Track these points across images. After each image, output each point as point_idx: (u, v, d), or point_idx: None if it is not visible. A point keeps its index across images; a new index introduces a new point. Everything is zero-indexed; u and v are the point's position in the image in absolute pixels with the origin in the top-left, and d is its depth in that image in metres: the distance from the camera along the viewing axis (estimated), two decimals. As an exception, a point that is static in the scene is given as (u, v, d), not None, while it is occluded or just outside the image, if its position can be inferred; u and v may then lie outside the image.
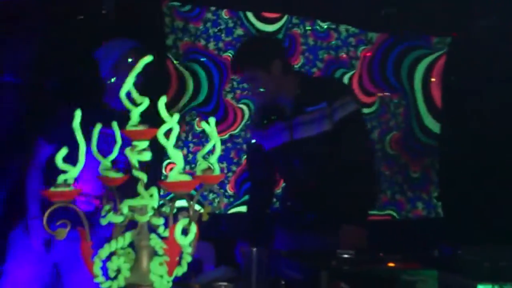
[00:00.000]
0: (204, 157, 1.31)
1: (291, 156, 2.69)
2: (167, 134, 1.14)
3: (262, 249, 1.92)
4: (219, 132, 4.07)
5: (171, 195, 1.21)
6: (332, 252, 2.01)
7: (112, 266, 1.16)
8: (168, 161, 3.73)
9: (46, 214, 1.09)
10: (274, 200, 3.08)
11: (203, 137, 4.03)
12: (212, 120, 1.32)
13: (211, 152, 1.32)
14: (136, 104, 1.21)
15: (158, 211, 1.21)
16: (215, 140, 1.31)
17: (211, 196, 4.00)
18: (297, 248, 2.59)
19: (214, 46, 4.10)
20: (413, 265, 1.86)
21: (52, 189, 1.10)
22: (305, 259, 2.03)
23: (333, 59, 4.46)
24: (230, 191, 4.09)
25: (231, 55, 4.13)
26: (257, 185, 2.93)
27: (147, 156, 1.19)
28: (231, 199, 4.09)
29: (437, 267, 1.79)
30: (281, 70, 2.63)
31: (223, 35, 4.14)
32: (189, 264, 1.30)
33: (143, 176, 1.20)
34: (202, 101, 4.06)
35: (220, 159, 4.03)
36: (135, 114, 1.19)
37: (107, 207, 1.25)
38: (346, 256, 1.93)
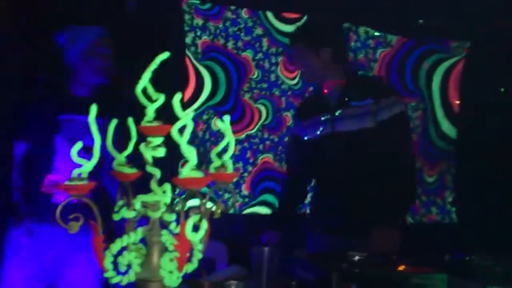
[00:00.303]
0: (218, 155, 1.32)
1: (329, 149, 2.66)
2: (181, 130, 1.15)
3: (274, 249, 1.92)
4: (235, 132, 4.10)
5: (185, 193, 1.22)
6: (344, 253, 2.01)
7: (123, 261, 1.17)
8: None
9: (60, 207, 1.10)
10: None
11: (220, 136, 4.04)
12: (226, 117, 1.32)
13: (225, 150, 1.33)
14: (151, 100, 1.22)
15: (170, 208, 1.22)
16: (229, 138, 1.32)
17: (226, 195, 4.01)
18: (327, 249, 2.54)
19: (233, 45, 4.11)
20: (424, 269, 1.85)
21: (67, 182, 1.12)
22: (317, 260, 2.03)
23: (351, 61, 4.45)
24: (245, 191, 4.10)
25: (250, 55, 4.14)
26: (293, 178, 2.88)
27: (161, 152, 1.20)
28: (246, 200, 4.10)
29: (448, 271, 1.78)
30: (330, 59, 2.61)
31: (242, 34, 4.14)
32: (201, 263, 1.30)
33: (156, 172, 1.21)
34: (219, 100, 4.07)
35: (236, 159, 4.08)
36: (151, 110, 1.20)
37: (120, 202, 1.26)
38: (357, 258, 1.93)
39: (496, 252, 1.94)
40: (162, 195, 1.19)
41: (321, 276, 1.84)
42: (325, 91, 2.69)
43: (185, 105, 3.87)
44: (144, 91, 1.23)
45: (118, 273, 1.17)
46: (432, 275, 1.79)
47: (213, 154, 1.31)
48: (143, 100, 1.20)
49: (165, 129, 1.16)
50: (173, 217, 1.20)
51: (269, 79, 4.21)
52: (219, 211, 1.30)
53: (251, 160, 4.13)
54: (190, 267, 1.23)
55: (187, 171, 1.13)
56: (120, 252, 1.17)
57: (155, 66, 1.23)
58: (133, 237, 1.18)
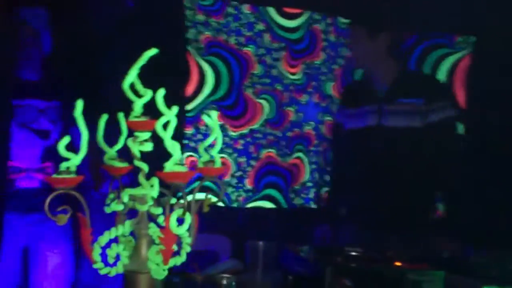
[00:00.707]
0: (205, 150, 1.34)
1: (373, 142, 2.62)
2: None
3: (269, 243, 1.94)
4: (238, 127, 4.12)
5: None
6: (340, 248, 2.01)
7: (111, 253, 1.19)
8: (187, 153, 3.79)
9: (48, 200, 1.12)
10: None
11: (222, 131, 4.04)
12: (214, 113, 1.34)
13: (213, 145, 1.34)
14: (139, 96, 1.23)
15: (157, 201, 1.23)
16: (217, 133, 1.33)
17: (230, 190, 4.03)
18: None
19: (235, 41, 4.12)
20: (421, 265, 1.84)
21: (55, 175, 1.13)
22: (312, 254, 2.04)
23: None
24: (248, 186, 4.11)
25: (251, 50, 4.15)
26: (336, 168, 2.87)
27: (148, 146, 1.21)
28: (250, 194, 4.11)
29: (445, 268, 1.77)
30: (386, 47, 2.58)
31: (244, 29, 4.15)
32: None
33: (144, 167, 1.22)
34: (222, 95, 4.08)
35: (240, 154, 4.10)
36: (138, 105, 1.22)
37: (111, 195, 1.28)
38: (353, 253, 1.93)
39: (495, 249, 1.93)
40: (150, 188, 1.20)
41: (316, 270, 1.84)
42: (374, 80, 2.63)
43: (187, 100, 3.89)
44: (132, 86, 1.25)
45: (106, 264, 1.19)
46: (429, 272, 1.78)
47: (201, 149, 1.32)
48: (130, 95, 1.21)
49: (153, 124, 1.18)
50: (159, 210, 1.21)
51: (271, 74, 4.22)
52: (207, 205, 1.31)
53: (254, 155, 4.14)
54: (178, 260, 1.24)
55: (171, 166, 1.14)
56: (108, 244, 1.19)
57: (142, 62, 1.24)
58: (121, 229, 1.20)
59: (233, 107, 4.09)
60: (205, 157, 1.32)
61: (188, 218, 1.15)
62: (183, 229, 1.15)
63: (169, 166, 1.14)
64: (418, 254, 1.96)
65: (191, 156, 3.85)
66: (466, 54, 4.47)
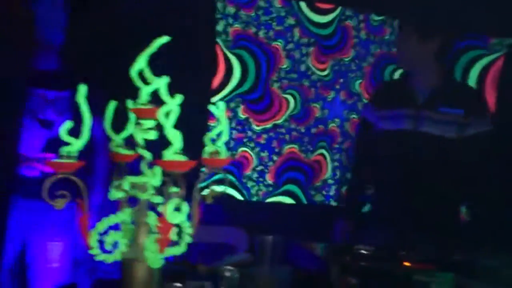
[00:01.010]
0: (212, 140, 1.33)
1: (402, 145, 2.60)
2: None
3: (278, 237, 1.93)
4: (263, 121, 4.12)
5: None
6: (351, 246, 2.00)
7: (109, 240, 1.19)
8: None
9: (47, 184, 1.13)
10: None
11: (246, 125, 4.06)
12: (221, 104, 1.33)
13: (219, 136, 1.34)
14: (147, 83, 1.23)
15: (158, 190, 1.23)
16: (223, 124, 1.33)
17: (249, 183, 4.03)
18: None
19: (264, 34, 4.11)
20: (429, 266, 1.82)
21: (56, 160, 1.14)
22: (322, 251, 2.03)
23: (385, 54, 4.39)
24: (269, 181, 4.10)
25: (280, 45, 4.13)
26: (359, 165, 2.87)
27: (152, 134, 1.22)
28: (270, 189, 4.11)
29: (454, 270, 1.75)
30: (434, 51, 2.56)
31: (274, 23, 4.13)
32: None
33: (147, 155, 1.23)
34: (248, 88, 4.07)
35: (262, 148, 4.09)
36: (144, 92, 1.22)
37: (116, 182, 1.28)
38: (363, 251, 1.91)
39: (504, 252, 1.91)
40: (151, 177, 1.20)
41: (323, 267, 1.84)
42: (416, 83, 2.61)
43: (213, 92, 3.90)
44: (141, 74, 1.25)
45: (104, 251, 1.20)
46: (438, 273, 1.76)
47: (207, 140, 1.32)
48: (137, 82, 1.22)
49: (153, 112, 1.18)
50: (159, 199, 1.22)
51: (299, 70, 4.19)
52: (211, 196, 1.31)
53: (276, 150, 4.12)
54: (177, 250, 1.24)
55: (171, 154, 1.14)
56: (107, 231, 1.20)
57: (153, 50, 1.24)
58: (121, 217, 1.20)
59: (258, 101, 4.08)
60: (211, 148, 1.32)
61: (185, 208, 1.14)
62: (180, 219, 1.15)
63: (169, 155, 1.14)
64: (429, 256, 1.94)
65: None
66: (499, 56, 4.38)
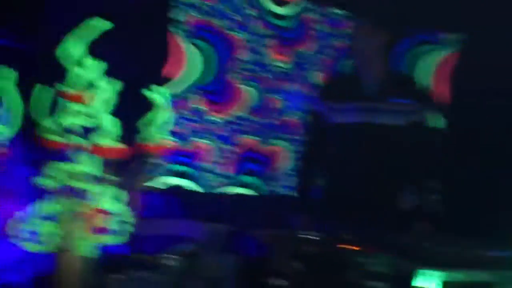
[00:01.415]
0: (145, 126, 1.32)
1: (357, 137, 2.73)
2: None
3: (225, 227, 1.93)
4: (222, 112, 4.10)
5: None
6: (298, 233, 2.03)
7: (42, 230, 1.17)
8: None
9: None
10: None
11: (204, 115, 4.03)
12: (165, 91, 1.32)
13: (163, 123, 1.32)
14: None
15: (94, 179, 1.21)
16: (164, 111, 1.31)
17: (207, 175, 4.01)
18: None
19: (224, 25, 4.07)
20: (371, 249, 1.89)
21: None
22: (266, 238, 2.04)
23: (344, 47, 4.40)
24: (228, 172, 4.08)
25: (240, 36, 4.10)
26: (313, 155, 2.93)
27: (82, 120, 1.19)
28: (229, 180, 4.09)
29: (393, 252, 1.81)
30: (387, 45, 2.65)
31: (235, 14, 4.10)
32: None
33: (80, 141, 1.21)
34: (206, 79, 4.04)
35: (221, 139, 4.07)
36: (73, 75, 1.19)
37: (47, 170, 1.25)
38: (306, 236, 1.95)
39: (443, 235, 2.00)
40: (84, 165, 1.18)
41: (269, 253, 1.85)
42: (368, 77, 2.71)
43: (164, 80, 3.80)
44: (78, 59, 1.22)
45: (34, 241, 1.17)
46: (377, 255, 1.88)
47: (143, 126, 1.30)
48: (65, 63, 1.19)
49: (87, 97, 1.15)
50: (94, 188, 1.20)
51: (259, 61, 4.18)
52: (142, 183, 1.30)
53: (236, 141, 4.11)
54: (114, 240, 1.23)
55: (103, 140, 1.12)
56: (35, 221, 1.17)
57: (92, 34, 1.22)
58: (51, 206, 1.18)
59: (217, 92, 4.05)
60: (147, 135, 1.30)
61: (122, 197, 1.13)
62: (117, 208, 1.14)
63: (101, 140, 1.12)
64: (373, 240, 2.00)
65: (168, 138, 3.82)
66: (452, 51, 4.43)
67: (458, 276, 2.00)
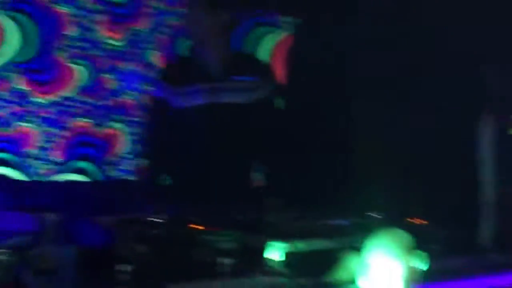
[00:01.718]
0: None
1: (209, 120, 2.74)
2: None
3: (61, 216, 1.75)
4: (48, 93, 3.74)
5: None
6: (142, 217, 1.93)
7: None
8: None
9: None
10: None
11: (27, 97, 3.67)
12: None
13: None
14: None
15: None
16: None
17: (32, 162, 3.67)
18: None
19: (47, -3, 3.73)
20: (216, 228, 1.93)
21: None
22: (113, 224, 1.91)
23: (181, 26, 4.27)
24: (58, 158, 3.76)
25: (66, 10, 3.79)
26: (156, 144, 2.85)
27: None
28: (59, 167, 3.77)
29: (241, 229, 1.93)
30: (225, 26, 2.65)
31: (59, -14, 3.78)
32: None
33: None
34: (28, 56, 3.67)
35: (47, 123, 3.72)
36: None
37: None
38: (150, 220, 1.87)
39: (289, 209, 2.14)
40: None
41: (112, 240, 1.71)
42: (208, 58, 2.72)
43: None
44: None
45: None
46: (224, 232, 1.89)
47: None
48: None
49: None
50: None
51: (89, 38, 3.90)
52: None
53: (66, 125, 3.80)
54: None
55: None
56: None
57: None
58: None
59: (42, 71, 3.69)
60: None
61: None
62: None
63: None
64: (220, 219, 2.02)
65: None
66: (289, 34, 4.53)
67: (299, 245, 2.14)
